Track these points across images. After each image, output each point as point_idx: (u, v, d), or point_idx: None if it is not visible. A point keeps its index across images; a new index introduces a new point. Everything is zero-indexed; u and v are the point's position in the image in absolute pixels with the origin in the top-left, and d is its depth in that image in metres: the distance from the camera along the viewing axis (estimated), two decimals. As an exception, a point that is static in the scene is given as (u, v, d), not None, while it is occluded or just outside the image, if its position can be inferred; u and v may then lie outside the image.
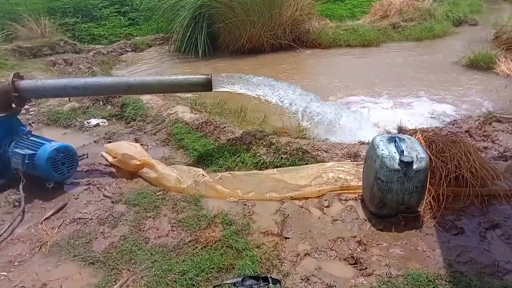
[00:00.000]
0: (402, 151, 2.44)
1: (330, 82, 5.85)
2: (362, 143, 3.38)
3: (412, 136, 2.74)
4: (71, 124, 4.59)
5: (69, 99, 4.79)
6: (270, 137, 3.46)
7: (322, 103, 3.91)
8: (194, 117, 4.08)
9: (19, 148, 3.01)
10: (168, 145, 3.96)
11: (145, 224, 2.70)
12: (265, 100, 3.55)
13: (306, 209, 2.77)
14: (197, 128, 3.90)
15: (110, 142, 4.04)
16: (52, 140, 3.14)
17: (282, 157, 3.28)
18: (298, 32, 8.09)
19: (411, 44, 8.10)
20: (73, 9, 10.47)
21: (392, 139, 2.58)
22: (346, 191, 2.91)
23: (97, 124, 4.55)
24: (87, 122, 4.56)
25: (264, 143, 3.43)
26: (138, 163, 3.31)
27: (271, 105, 3.68)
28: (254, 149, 3.42)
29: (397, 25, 8.77)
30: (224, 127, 3.73)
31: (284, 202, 2.84)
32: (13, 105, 3.17)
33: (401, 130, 3.50)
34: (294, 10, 7.81)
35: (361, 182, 2.86)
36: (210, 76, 3.24)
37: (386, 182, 2.42)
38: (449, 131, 3.50)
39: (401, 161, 2.38)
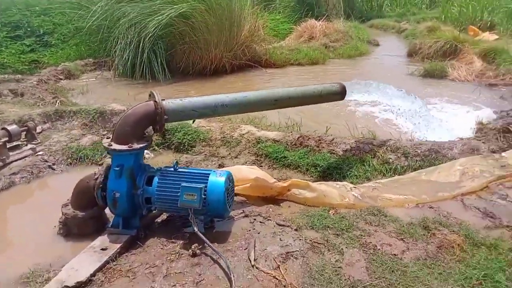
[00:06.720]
0: None
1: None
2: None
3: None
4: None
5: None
6: (391, 141, 3.48)
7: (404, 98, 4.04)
8: (280, 134, 3.79)
9: (186, 181, 2.38)
10: (262, 166, 3.60)
11: (369, 243, 2.43)
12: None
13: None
14: (294, 144, 3.64)
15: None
16: (205, 169, 2.56)
17: (417, 160, 3.33)
18: (253, 52, 8.16)
19: (350, 61, 8.97)
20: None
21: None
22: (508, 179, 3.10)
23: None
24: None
25: (389, 149, 3.43)
26: (285, 185, 2.95)
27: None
28: (382, 156, 3.39)
29: (327, 45, 9.61)
30: (333, 139, 3.58)
31: (460, 199, 2.90)
32: (151, 132, 2.51)
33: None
34: (252, 28, 7.88)
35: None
36: (344, 84, 3.13)
37: None
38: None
39: None
